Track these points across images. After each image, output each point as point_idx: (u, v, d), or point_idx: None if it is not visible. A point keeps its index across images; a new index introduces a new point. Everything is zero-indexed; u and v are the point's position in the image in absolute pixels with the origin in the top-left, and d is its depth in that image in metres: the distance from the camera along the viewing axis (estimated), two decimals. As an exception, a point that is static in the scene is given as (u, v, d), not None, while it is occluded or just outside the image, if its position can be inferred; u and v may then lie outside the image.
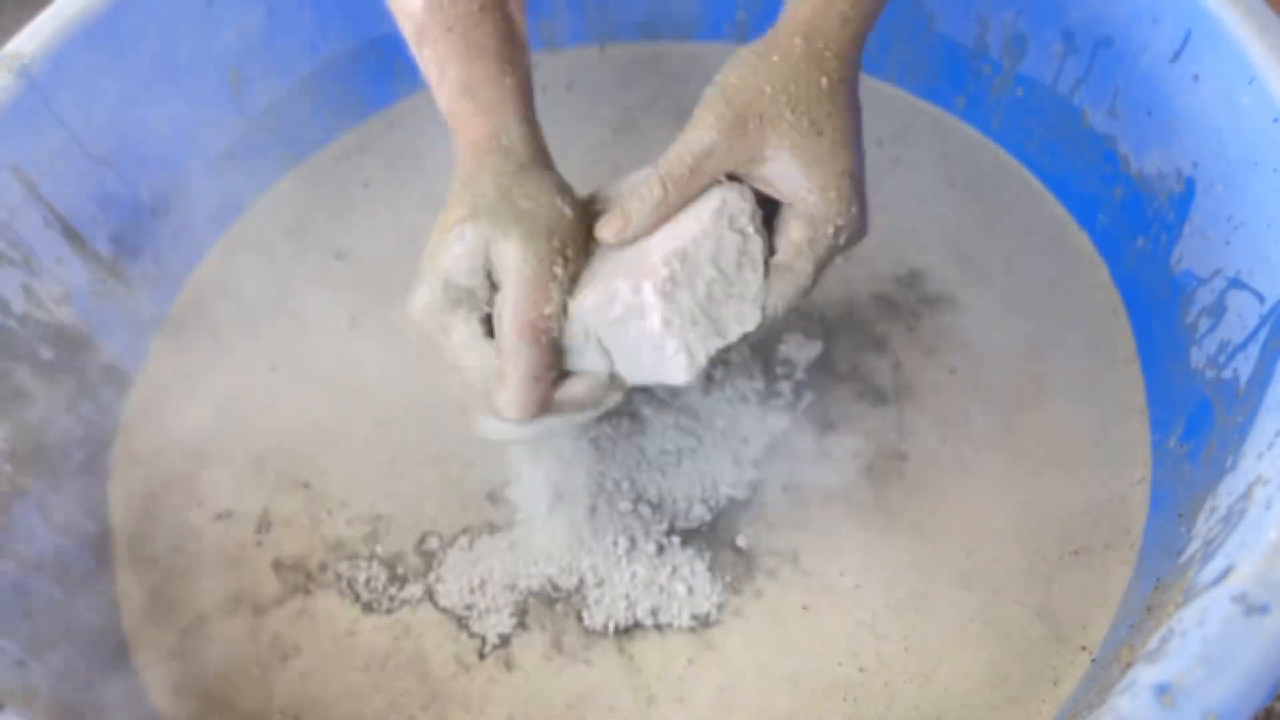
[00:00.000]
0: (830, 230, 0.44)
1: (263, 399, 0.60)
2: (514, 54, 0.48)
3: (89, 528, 0.55)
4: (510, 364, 0.42)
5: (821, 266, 0.44)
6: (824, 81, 0.44)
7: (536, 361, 0.42)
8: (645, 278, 0.42)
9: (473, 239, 0.42)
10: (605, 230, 0.43)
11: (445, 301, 0.43)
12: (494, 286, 0.43)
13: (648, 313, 0.42)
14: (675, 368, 0.43)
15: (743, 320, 0.44)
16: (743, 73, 0.43)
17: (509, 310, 0.42)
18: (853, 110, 0.45)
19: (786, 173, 0.43)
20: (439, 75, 0.47)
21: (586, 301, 0.43)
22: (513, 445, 0.54)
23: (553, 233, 0.43)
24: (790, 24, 0.44)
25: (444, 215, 0.44)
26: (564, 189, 0.44)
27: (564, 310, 0.43)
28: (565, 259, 0.43)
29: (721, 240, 0.43)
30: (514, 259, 0.42)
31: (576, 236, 0.44)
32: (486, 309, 0.43)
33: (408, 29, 0.47)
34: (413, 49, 0.48)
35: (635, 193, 0.43)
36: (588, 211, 0.45)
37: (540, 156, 0.46)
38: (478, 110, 0.46)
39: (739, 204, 0.44)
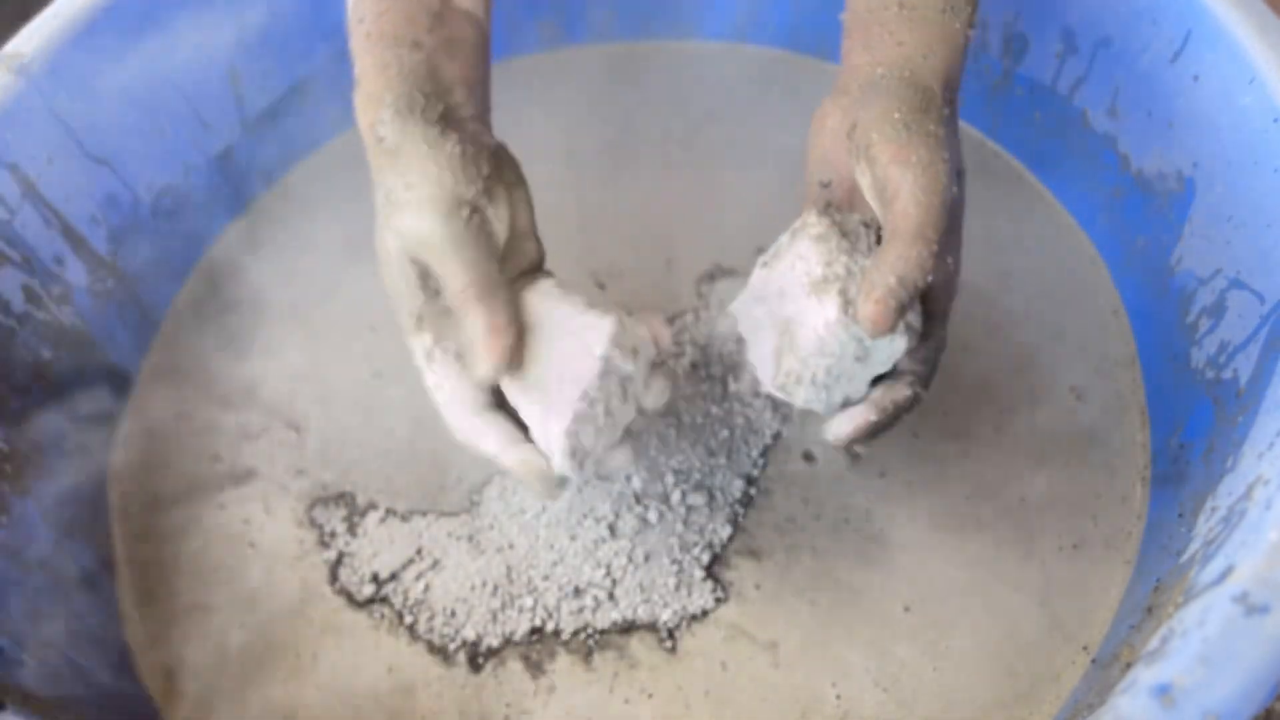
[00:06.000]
0: (955, 292, 0.44)
1: (267, 399, 0.60)
2: (419, 34, 0.45)
3: (89, 528, 0.55)
4: (468, 328, 0.41)
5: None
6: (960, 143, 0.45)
7: (489, 313, 0.40)
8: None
9: (386, 252, 0.42)
10: (883, 325, 0.41)
11: (404, 329, 0.43)
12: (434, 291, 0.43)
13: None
14: None
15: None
16: (930, 119, 0.42)
17: (446, 289, 0.41)
18: None
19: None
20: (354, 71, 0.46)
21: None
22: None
23: (442, 205, 0.41)
24: (935, 76, 0.44)
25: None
26: (432, 154, 0.41)
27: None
28: (473, 210, 0.41)
29: None
30: (427, 248, 0.41)
31: (481, 180, 0.42)
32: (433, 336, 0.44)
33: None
34: None
35: (909, 282, 0.41)
36: (502, 160, 0.44)
37: (409, 139, 0.42)
38: (360, 102, 0.45)
39: None
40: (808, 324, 0.44)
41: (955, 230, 0.43)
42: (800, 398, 0.46)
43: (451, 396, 0.44)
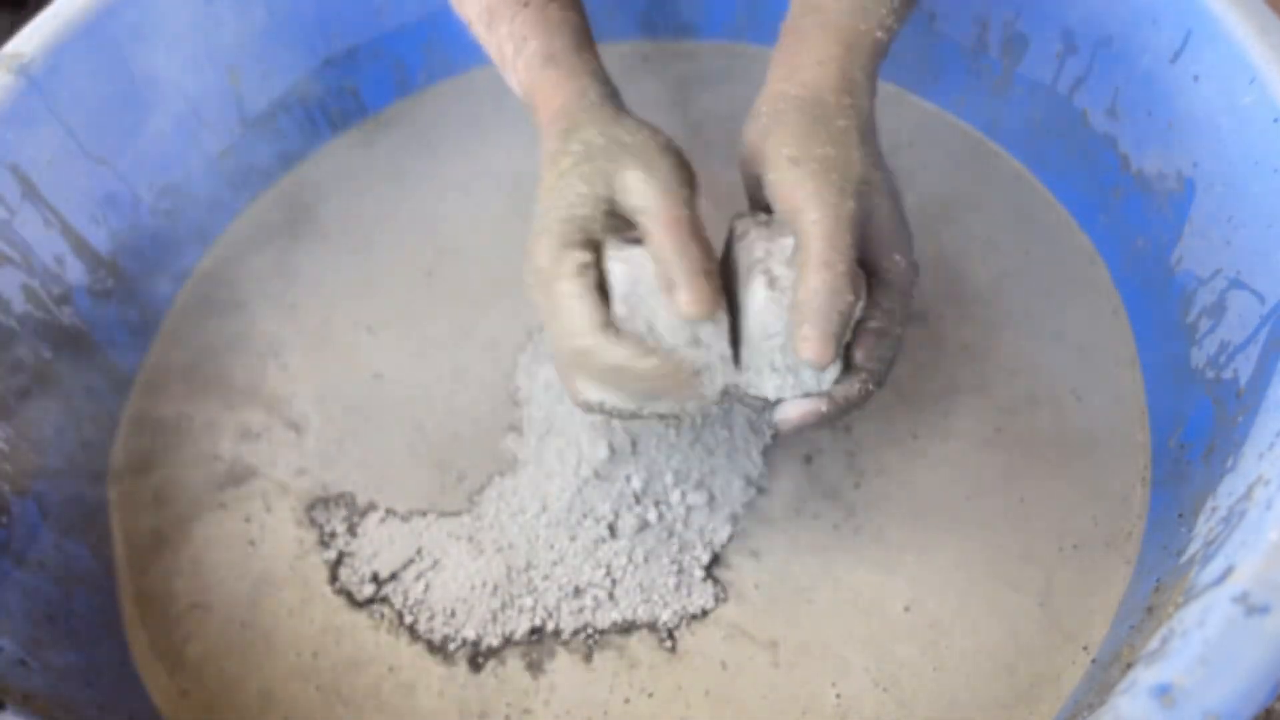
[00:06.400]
0: (913, 292, 0.45)
1: (267, 399, 0.60)
2: (583, 24, 0.51)
3: (89, 528, 0.55)
4: (676, 265, 0.42)
5: (906, 325, 0.46)
6: (876, 144, 0.46)
7: (699, 255, 0.42)
8: None
9: (591, 174, 0.44)
10: (824, 360, 0.42)
11: (562, 241, 0.44)
12: (615, 225, 0.44)
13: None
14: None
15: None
16: (819, 140, 0.43)
17: (659, 220, 0.43)
18: None
19: (883, 237, 0.44)
20: (516, 49, 0.50)
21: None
22: (606, 415, 0.52)
23: (666, 153, 0.44)
24: (829, 84, 0.45)
25: (551, 168, 0.46)
26: (653, 128, 0.46)
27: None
28: (689, 172, 0.45)
29: None
30: (644, 178, 0.43)
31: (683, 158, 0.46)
32: (595, 263, 0.44)
33: (473, 11, 0.52)
34: (479, 28, 0.52)
35: (831, 310, 0.41)
36: None
37: (623, 108, 0.48)
38: (562, 77, 0.49)
39: None
40: (746, 313, 0.45)
41: (873, 230, 0.44)
42: (770, 388, 0.46)
43: (590, 310, 0.44)
